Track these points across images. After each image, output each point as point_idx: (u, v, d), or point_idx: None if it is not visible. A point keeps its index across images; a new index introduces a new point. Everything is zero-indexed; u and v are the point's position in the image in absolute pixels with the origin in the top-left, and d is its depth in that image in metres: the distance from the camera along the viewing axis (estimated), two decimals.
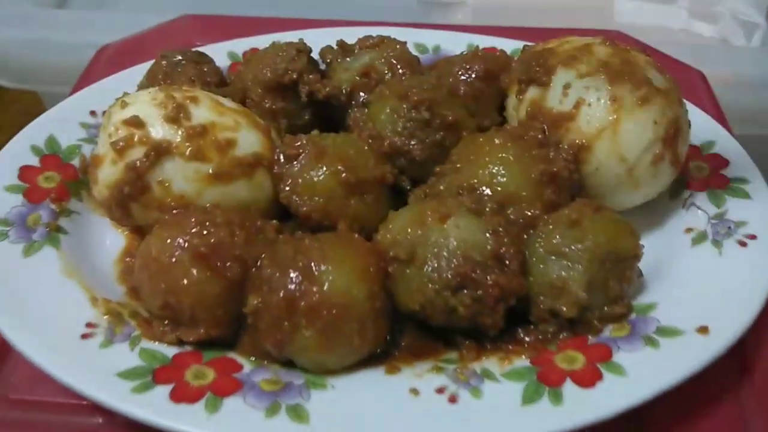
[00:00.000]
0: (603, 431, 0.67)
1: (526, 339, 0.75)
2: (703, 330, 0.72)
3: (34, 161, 0.91)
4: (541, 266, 0.75)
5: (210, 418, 0.65)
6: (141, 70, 1.04)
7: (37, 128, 0.95)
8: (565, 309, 0.73)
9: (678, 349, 0.71)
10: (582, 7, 1.65)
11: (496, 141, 0.82)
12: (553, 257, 0.75)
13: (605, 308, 0.75)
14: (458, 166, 0.82)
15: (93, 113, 0.99)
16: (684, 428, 0.72)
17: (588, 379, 0.68)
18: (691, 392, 0.73)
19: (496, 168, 0.80)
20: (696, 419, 0.73)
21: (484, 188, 0.80)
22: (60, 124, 0.96)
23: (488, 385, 0.69)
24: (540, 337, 0.74)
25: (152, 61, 1.02)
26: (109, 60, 1.24)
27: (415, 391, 0.69)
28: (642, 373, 0.69)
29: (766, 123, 1.38)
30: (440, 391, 0.69)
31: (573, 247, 0.74)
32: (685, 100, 0.89)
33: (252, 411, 0.66)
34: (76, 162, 0.93)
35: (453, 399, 0.68)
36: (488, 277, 0.71)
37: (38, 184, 0.89)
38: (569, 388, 0.68)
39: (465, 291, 0.71)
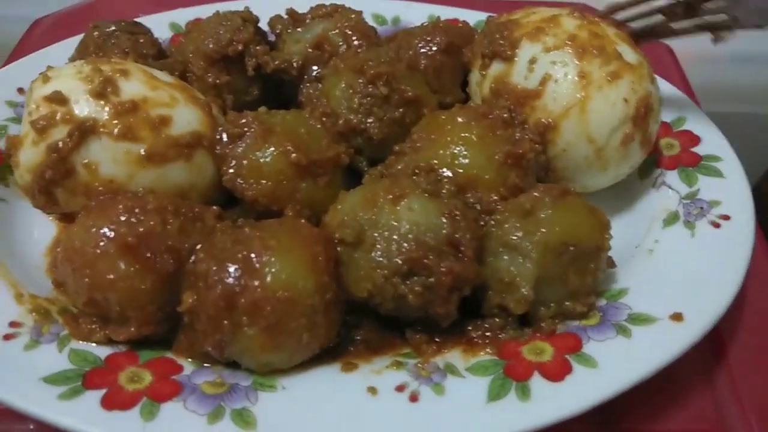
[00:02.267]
0: (573, 420, 0.63)
1: (473, 334, 0.70)
2: (677, 317, 0.69)
3: None
4: (493, 259, 0.70)
5: (146, 426, 0.59)
6: (72, 43, 0.96)
7: None
8: (512, 305, 0.68)
9: (651, 337, 0.68)
10: None
11: (459, 119, 0.77)
12: (505, 250, 0.70)
13: (566, 303, 0.70)
14: (418, 145, 0.77)
15: (21, 91, 0.91)
16: (658, 418, 0.69)
17: (557, 372, 0.65)
18: (665, 380, 0.69)
19: (458, 148, 0.75)
20: (671, 408, 0.70)
21: (444, 170, 0.75)
22: None
23: (451, 381, 0.65)
24: (488, 333, 0.70)
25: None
26: (44, 34, 1.16)
27: (373, 390, 0.64)
28: (614, 365, 0.65)
29: (734, 99, 1.36)
30: (400, 389, 0.64)
31: (524, 240, 0.69)
32: (656, 76, 0.86)
33: (193, 417, 0.61)
34: (1, 144, 0.85)
35: (414, 397, 0.63)
36: (441, 264, 0.66)
37: None
38: (537, 382, 0.64)
39: (416, 278, 0.66)
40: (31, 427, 0.67)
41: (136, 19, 0.98)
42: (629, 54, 0.82)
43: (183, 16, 1.05)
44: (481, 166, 0.74)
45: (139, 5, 1.22)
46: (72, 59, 0.89)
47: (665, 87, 0.94)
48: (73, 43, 0.96)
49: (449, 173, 0.74)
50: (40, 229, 0.81)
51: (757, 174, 1.60)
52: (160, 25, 1.01)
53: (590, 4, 1.26)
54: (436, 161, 0.75)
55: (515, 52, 0.82)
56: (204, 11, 1.03)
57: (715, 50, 1.35)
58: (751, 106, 1.42)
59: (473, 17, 1.06)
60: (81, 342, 0.67)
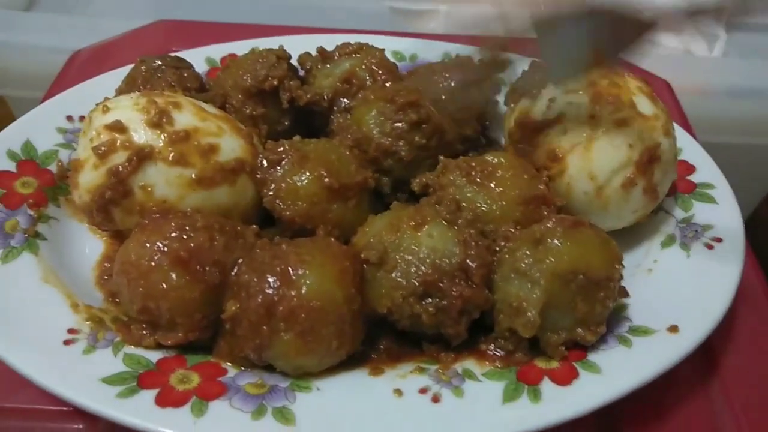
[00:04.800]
0: (578, 426, 0.69)
1: (489, 352, 0.75)
2: (674, 329, 0.75)
3: (10, 166, 0.90)
4: (504, 284, 0.75)
5: (196, 421, 0.65)
6: (117, 75, 1.03)
7: (13, 133, 0.94)
8: (520, 329, 0.72)
9: (650, 347, 0.74)
10: None
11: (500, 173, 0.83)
12: (515, 275, 0.74)
13: (578, 330, 0.73)
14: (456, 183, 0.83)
15: (70, 118, 0.98)
16: (656, 424, 0.75)
17: (565, 377, 0.71)
18: (662, 389, 0.76)
19: (484, 194, 0.82)
20: (667, 415, 0.76)
21: (465, 203, 0.81)
22: (36, 128, 0.95)
23: (469, 385, 0.71)
24: (501, 353, 0.75)
25: (130, 66, 1.02)
26: (82, 65, 1.22)
27: (398, 392, 0.70)
28: (616, 371, 0.71)
29: (728, 131, 1.42)
30: (423, 391, 0.70)
31: (533, 267, 0.73)
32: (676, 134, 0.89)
33: (238, 414, 0.67)
34: (53, 167, 0.92)
35: (436, 399, 0.69)
36: (453, 288, 0.72)
37: (15, 190, 0.88)
38: (547, 386, 0.70)
39: (430, 299, 0.73)
40: (81, 426, 0.73)
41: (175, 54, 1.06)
42: (646, 106, 0.86)
43: (218, 51, 1.12)
44: (503, 207, 0.80)
45: (169, 39, 1.30)
46: (120, 90, 0.96)
47: None
48: (114, 74, 1.04)
49: (472, 208, 0.80)
50: (90, 246, 0.88)
51: (756, 201, 1.66)
52: (196, 59, 1.08)
53: None
54: (463, 202, 0.81)
55: (540, 92, 0.90)
56: (238, 47, 1.11)
57: (712, 84, 1.43)
58: (748, 138, 1.47)
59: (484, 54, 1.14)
60: (133, 347, 0.73)
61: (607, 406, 0.69)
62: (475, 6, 1.64)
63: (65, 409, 0.73)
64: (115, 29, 1.33)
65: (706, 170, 0.96)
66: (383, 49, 1.01)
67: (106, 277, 0.83)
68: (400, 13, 1.65)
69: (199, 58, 1.10)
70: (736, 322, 0.86)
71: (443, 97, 0.93)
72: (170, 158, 0.78)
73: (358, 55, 0.97)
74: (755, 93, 1.40)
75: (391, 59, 1.06)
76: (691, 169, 0.96)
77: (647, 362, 0.72)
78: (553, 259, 0.72)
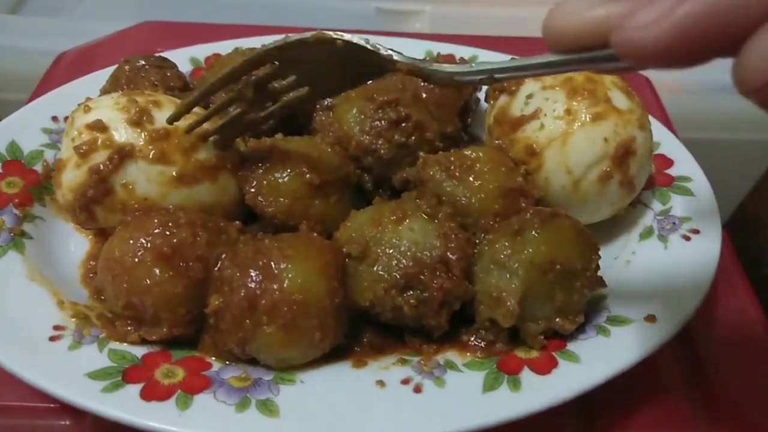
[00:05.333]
0: (558, 414, 0.71)
1: (470, 342, 0.76)
2: (650, 318, 0.76)
3: None
4: (483, 275, 0.76)
5: (181, 414, 0.66)
6: (102, 75, 1.04)
7: None
8: (500, 319, 0.74)
9: (627, 336, 0.75)
10: (535, 16, 1.69)
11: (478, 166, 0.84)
12: (494, 267, 0.75)
13: (557, 319, 0.74)
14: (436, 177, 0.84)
15: (55, 119, 0.99)
16: (634, 412, 0.77)
17: (544, 366, 0.72)
18: (641, 376, 0.77)
19: (463, 187, 0.82)
20: (646, 401, 0.77)
21: (444, 197, 0.82)
22: (21, 129, 0.96)
23: (451, 375, 0.72)
24: (482, 343, 0.76)
25: (115, 66, 1.03)
26: (68, 66, 1.23)
27: (381, 383, 0.71)
28: (594, 360, 0.72)
29: (710, 128, 1.44)
30: (405, 382, 0.71)
31: (512, 258, 0.74)
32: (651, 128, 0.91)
33: (222, 407, 0.67)
34: (38, 167, 0.93)
35: (418, 389, 0.70)
36: (434, 281, 0.73)
37: (1, 190, 0.88)
38: (527, 375, 0.71)
39: (411, 292, 0.74)
40: (68, 422, 0.74)
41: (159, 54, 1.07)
42: (620, 100, 0.88)
43: (202, 51, 1.13)
44: (482, 200, 0.82)
45: (155, 40, 1.31)
46: (104, 90, 0.97)
47: None
48: (100, 75, 1.04)
49: (451, 202, 0.81)
50: (75, 244, 0.89)
51: (740, 196, 1.68)
52: (181, 59, 1.09)
53: None
54: (443, 196, 0.82)
55: (519, 88, 0.91)
56: (222, 47, 1.12)
57: (694, 81, 1.45)
58: (730, 134, 1.49)
59: (467, 53, 1.16)
60: (118, 343, 0.74)
61: (586, 394, 0.70)
62: (461, 6, 1.67)
63: (52, 405, 0.74)
64: (102, 31, 1.33)
65: (684, 164, 0.97)
66: None
67: (91, 275, 0.84)
68: (386, 13, 1.67)
69: (184, 58, 1.11)
70: (716, 312, 0.88)
71: (424, 95, 0.94)
72: (151, 156, 0.78)
73: None
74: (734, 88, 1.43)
75: None
76: (669, 162, 0.98)
77: (624, 351, 0.73)
78: (531, 250, 0.74)
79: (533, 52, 1.01)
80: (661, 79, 1.32)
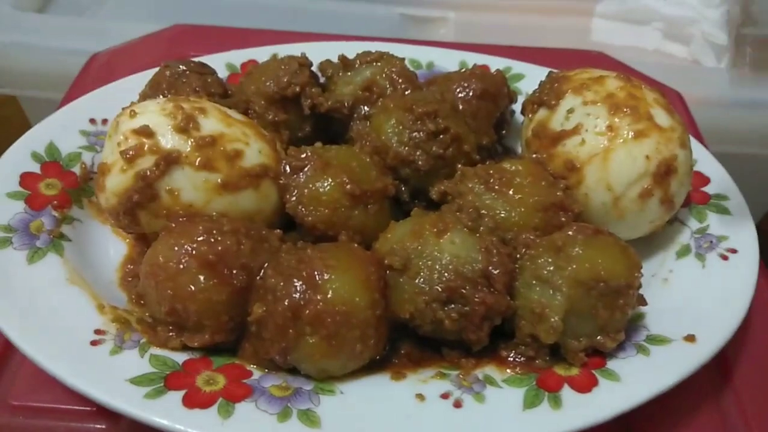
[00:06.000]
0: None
1: (509, 358, 0.76)
2: (690, 338, 0.76)
3: (34, 168, 0.91)
4: (525, 290, 0.76)
5: (224, 423, 0.66)
6: (139, 78, 1.04)
7: (37, 135, 0.95)
8: (542, 335, 0.74)
9: (667, 356, 0.75)
10: (559, 25, 1.70)
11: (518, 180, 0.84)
12: (537, 282, 0.75)
13: (598, 337, 0.74)
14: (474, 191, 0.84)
15: (93, 121, 1.00)
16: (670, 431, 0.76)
17: (585, 384, 0.72)
18: (677, 396, 0.76)
19: (503, 202, 0.83)
20: (681, 423, 0.77)
21: (484, 211, 0.82)
22: (60, 131, 0.96)
23: (491, 391, 0.72)
24: (522, 359, 0.76)
25: (151, 70, 1.03)
26: (101, 68, 1.24)
27: (420, 396, 0.71)
28: (634, 379, 0.72)
29: (733, 142, 1.43)
30: (445, 396, 0.71)
31: (556, 274, 0.74)
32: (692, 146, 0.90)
33: (264, 416, 0.68)
34: (76, 169, 0.93)
35: (458, 404, 0.70)
36: (476, 295, 0.73)
37: (40, 191, 0.89)
38: (567, 393, 0.71)
39: (453, 305, 0.74)
40: (104, 426, 0.74)
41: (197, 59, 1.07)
42: (662, 118, 0.88)
43: (237, 57, 1.13)
44: (522, 213, 0.82)
45: (187, 43, 1.31)
46: (144, 94, 0.98)
47: None
48: (137, 78, 1.05)
49: (491, 215, 0.82)
50: (114, 247, 0.89)
51: (759, 213, 1.67)
52: (216, 64, 1.09)
53: (607, 52, 1.36)
54: (482, 209, 0.82)
55: (559, 102, 0.91)
56: (257, 53, 1.13)
57: (720, 95, 1.45)
58: (753, 148, 1.47)
59: (500, 63, 1.15)
60: (159, 348, 0.74)
61: (621, 414, 0.70)
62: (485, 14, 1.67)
63: (89, 409, 0.75)
64: (127, 32, 1.34)
65: (720, 182, 0.97)
66: (403, 59, 1.02)
67: (130, 279, 0.84)
68: (410, 19, 1.67)
69: (220, 63, 1.11)
70: (750, 333, 0.87)
71: (461, 107, 0.94)
72: (197, 163, 0.79)
73: (379, 64, 0.99)
74: (761, 104, 1.42)
75: (409, 67, 1.07)
76: (705, 180, 0.98)
77: (665, 371, 0.73)
78: (575, 266, 0.74)
79: (563, 64, 1.02)
80: (684, 92, 1.31)
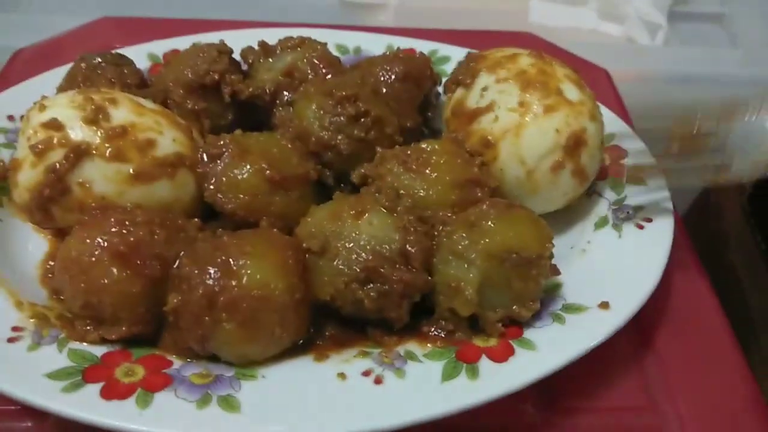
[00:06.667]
0: (517, 400, 0.74)
1: (431, 333, 0.78)
2: (605, 305, 0.78)
3: None
4: (443, 266, 0.78)
5: (142, 413, 0.66)
6: (59, 73, 1.03)
7: None
8: (459, 308, 0.76)
9: (582, 323, 0.77)
10: (498, 9, 1.72)
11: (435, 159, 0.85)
12: (453, 258, 0.77)
13: (514, 307, 0.76)
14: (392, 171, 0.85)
15: (11, 118, 0.98)
16: (592, 397, 0.79)
17: (502, 354, 0.74)
18: (600, 363, 0.79)
19: (421, 180, 0.84)
20: (603, 388, 0.80)
21: (402, 191, 0.83)
22: None
23: (411, 366, 0.74)
24: (443, 333, 0.78)
25: (71, 64, 1.02)
26: (25, 63, 1.22)
27: (342, 375, 0.72)
28: (550, 347, 0.74)
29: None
30: (366, 373, 0.73)
31: (469, 249, 0.76)
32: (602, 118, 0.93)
33: (183, 403, 0.68)
34: None
35: (378, 380, 0.72)
36: (394, 274, 0.75)
37: None
38: (485, 363, 0.73)
39: (372, 285, 0.75)
40: (30, 424, 0.74)
41: (117, 50, 1.06)
42: (572, 92, 0.90)
43: (160, 47, 1.12)
44: (439, 191, 0.83)
45: (113, 36, 1.29)
46: (61, 88, 0.96)
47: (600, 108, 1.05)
48: (57, 73, 1.03)
49: (410, 195, 0.83)
50: (33, 244, 0.88)
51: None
52: (139, 55, 1.08)
53: (536, 32, 1.38)
54: (401, 189, 0.83)
55: (474, 81, 0.93)
56: (180, 43, 1.11)
57: (653, 72, 1.48)
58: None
59: (428, 47, 1.17)
60: (78, 342, 0.74)
61: (545, 380, 0.72)
62: None
63: (13, 408, 0.74)
64: (58, 26, 1.31)
65: (638, 154, 1.00)
66: (325, 43, 1.02)
67: (50, 275, 0.83)
68: (350, 6, 1.67)
69: (142, 54, 1.10)
70: (670, 299, 0.90)
71: (384, 90, 0.95)
72: (107, 154, 0.78)
73: (300, 49, 0.99)
74: (695, 79, 1.46)
75: (335, 52, 1.07)
76: (623, 153, 1.00)
77: (580, 338, 0.75)
78: (487, 240, 0.76)
79: (492, 46, 1.04)
80: (619, 69, 1.34)
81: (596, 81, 1.25)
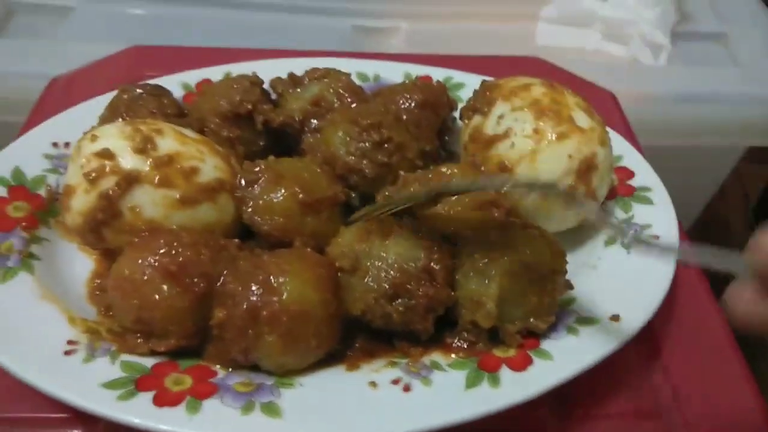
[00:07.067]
0: (536, 408, 0.79)
1: (454, 344, 0.83)
2: (615, 318, 0.84)
3: (2, 192, 0.96)
4: (465, 281, 0.83)
5: (191, 418, 0.72)
6: (98, 102, 1.08)
7: (2, 160, 0.99)
8: (480, 320, 0.81)
9: (595, 335, 0.82)
10: (507, 31, 1.77)
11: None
12: (474, 274, 0.82)
13: (531, 320, 0.81)
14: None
15: (55, 144, 1.04)
16: (603, 403, 0.84)
17: (520, 363, 0.79)
18: (610, 372, 0.85)
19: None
20: (613, 394, 0.85)
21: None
22: (24, 155, 1.01)
23: (436, 375, 0.79)
24: (465, 344, 0.83)
25: (109, 93, 1.08)
26: (61, 91, 1.27)
27: (373, 384, 0.78)
28: (565, 357, 0.80)
29: (674, 135, 1.52)
30: (395, 382, 0.78)
31: (489, 266, 0.81)
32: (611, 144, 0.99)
33: (229, 410, 0.73)
34: (41, 191, 0.98)
35: (407, 388, 0.77)
36: (419, 289, 0.80)
37: (8, 214, 0.93)
38: (505, 372, 0.78)
39: (399, 300, 0.81)
40: (80, 431, 0.79)
41: (153, 81, 1.12)
42: (583, 120, 0.96)
43: (192, 77, 1.19)
44: (459, 211, 0.88)
45: (143, 64, 1.35)
46: (104, 118, 1.02)
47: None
48: (95, 102, 1.09)
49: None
50: (80, 263, 0.94)
51: (706, 198, 1.77)
52: (172, 84, 1.14)
53: (542, 56, 1.45)
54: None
55: (491, 109, 0.99)
56: (211, 72, 1.18)
57: (658, 91, 1.53)
58: (693, 140, 1.56)
59: (441, 74, 1.23)
60: (128, 355, 0.79)
61: (561, 388, 0.77)
62: (436, 23, 1.73)
63: (65, 416, 0.79)
64: (86, 54, 1.37)
65: (644, 175, 1.06)
66: (349, 74, 1.09)
67: (98, 292, 0.89)
68: (362, 30, 1.73)
69: (175, 83, 1.16)
70: (677, 310, 0.95)
71: (404, 117, 1.01)
72: (156, 181, 0.84)
73: (326, 80, 1.05)
74: (699, 98, 1.51)
75: (356, 80, 1.14)
76: (630, 174, 1.06)
77: (593, 348, 0.80)
78: (505, 258, 0.81)
79: (502, 70, 1.10)
80: (624, 89, 1.40)
81: (603, 103, 1.31)
